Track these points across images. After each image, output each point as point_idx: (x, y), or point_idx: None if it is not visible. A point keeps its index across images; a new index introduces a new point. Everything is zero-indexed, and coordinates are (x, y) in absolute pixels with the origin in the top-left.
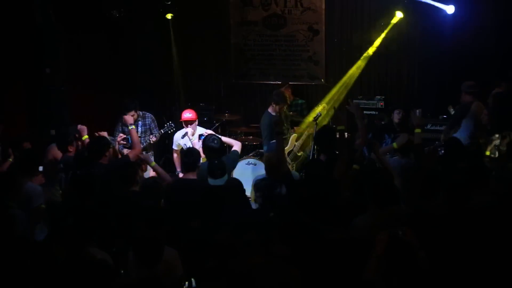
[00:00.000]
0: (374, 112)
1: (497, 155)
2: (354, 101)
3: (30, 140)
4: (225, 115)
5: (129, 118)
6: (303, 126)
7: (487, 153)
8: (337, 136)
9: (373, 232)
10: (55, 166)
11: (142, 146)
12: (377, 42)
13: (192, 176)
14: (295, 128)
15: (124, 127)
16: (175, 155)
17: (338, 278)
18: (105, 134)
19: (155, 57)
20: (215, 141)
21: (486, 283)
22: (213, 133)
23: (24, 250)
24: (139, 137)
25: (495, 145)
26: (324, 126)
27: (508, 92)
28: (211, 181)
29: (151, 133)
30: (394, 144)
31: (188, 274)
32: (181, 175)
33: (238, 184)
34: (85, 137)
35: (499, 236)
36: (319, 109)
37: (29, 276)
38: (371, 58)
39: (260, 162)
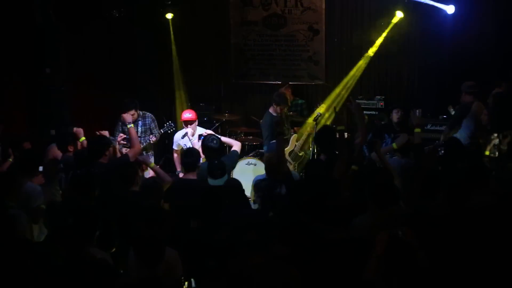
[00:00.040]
0: (374, 112)
1: (497, 154)
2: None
3: (30, 140)
4: (225, 115)
5: (127, 116)
6: (305, 127)
7: (487, 152)
8: (337, 136)
9: (373, 232)
10: (55, 166)
11: (142, 146)
12: (378, 42)
13: (192, 176)
14: (295, 128)
15: (124, 127)
16: (175, 155)
17: (338, 278)
18: (106, 133)
19: (155, 57)
20: (214, 141)
21: (486, 283)
22: (213, 133)
23: (24, 250)
24: (139, 137)
25: (494, 145)
26: (324, 126)
27: (508, 92)
28: (211, 181)
29: (151, 133)
30: (394, 145)
31: (188, 274)
32: (181, 175)
33: (237, 184)
34: (82, 138)
35: (499, 236)
36: (319, 109)
37: (29, 276)
38: (371, 58)
39: (260, 162)
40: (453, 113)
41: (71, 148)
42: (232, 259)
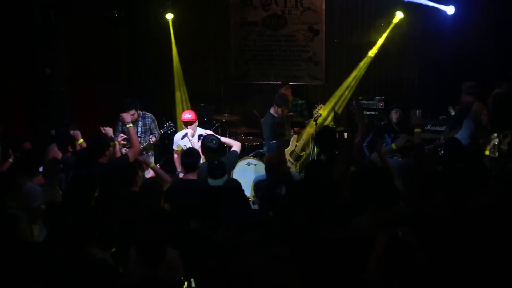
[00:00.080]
0: (374, 112)
1: (496, 154)
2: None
3: (30, 140)
4: (225, 115)
5: (126, 116)
6: (307, 128)
7: (487, 152)
8: (337, 136)
9: (373, 232)
10: (55, 166)
11: (142, 146)
12: (379, 43)
13: (192, 176)
14: (295, 129)
15: (124, 127)
16: (175, 155)
17: (338, 278)
18: (110, 130)
19: (155, 57)
20: (214, 142)
21: (486, 283)
22: (213, 133)
23: (24, 250)
24: (139, 137)
25: (494, 145)
26: (324, 126)
27: (508, 93)
28: (211, 182)
29: (151, 133)
30: (393, 145)
31: (188, 274)
32: (181, 175)
33: (237, 184)
34: (80, 140)
35: (499, 236)
36: (317, 110)
37: (29, 276)
38: (371, 58)
39: (260, 162)
40: (453, 113)
41: (71, 148)
42: (232, 259)
